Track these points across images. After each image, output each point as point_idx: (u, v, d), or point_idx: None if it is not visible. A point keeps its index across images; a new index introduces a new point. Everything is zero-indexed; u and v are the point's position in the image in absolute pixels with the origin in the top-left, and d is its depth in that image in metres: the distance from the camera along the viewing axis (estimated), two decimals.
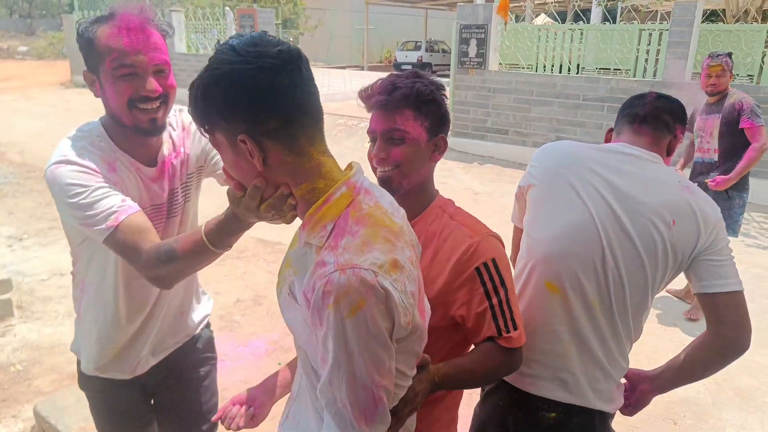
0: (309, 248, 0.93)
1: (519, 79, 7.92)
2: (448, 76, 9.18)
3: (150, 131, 1.30)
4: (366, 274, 0.82)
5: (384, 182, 1.21)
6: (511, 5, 11.20)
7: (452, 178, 7.46)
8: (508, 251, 1.33)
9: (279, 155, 0.88)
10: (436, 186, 1.32)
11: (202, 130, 0.91)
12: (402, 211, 1.00)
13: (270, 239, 5.00)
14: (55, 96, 14.57)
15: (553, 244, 1.35)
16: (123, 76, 1.23)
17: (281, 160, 0.88)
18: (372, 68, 22.68)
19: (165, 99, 1.29)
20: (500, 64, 8.28)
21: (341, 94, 13.04)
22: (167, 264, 1.18)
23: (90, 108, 12.69)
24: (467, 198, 6.57)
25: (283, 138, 0.87)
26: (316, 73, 0.98)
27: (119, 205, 1.22)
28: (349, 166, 0.98)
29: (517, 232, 1.57)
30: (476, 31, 8.06)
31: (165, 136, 1.40)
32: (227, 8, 13.26)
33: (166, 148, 1.41)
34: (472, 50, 8.16)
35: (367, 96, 1.23)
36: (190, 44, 14.46)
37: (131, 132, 1.30)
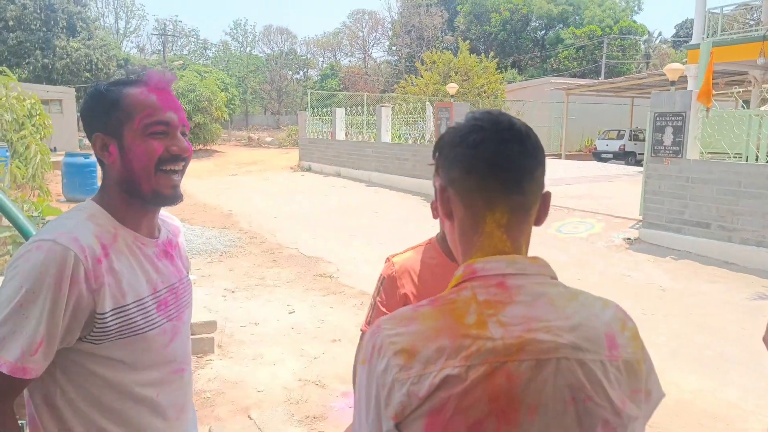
0: None
1: (723, 168, 7.20)
2: None
3: (171, 198, 1.20)
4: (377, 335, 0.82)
5: None
6: (738, 90, 10.33)
7: (638, 271, 6.93)
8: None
9: (459, 210, 0.88)
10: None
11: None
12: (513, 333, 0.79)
13: None
14: (284, 177, 17.38)
15: None
16: (154, 134, 1.16)
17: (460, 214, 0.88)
18: (569, 156, 22.32)
19: (187, 162, 1.23)
20: (701, 152, 7.65)
21: None
22: None
23: (308, 187, 14.81)
24: (652, 294, 6.04)
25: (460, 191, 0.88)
26: None
27: (18, 358, 1.03)
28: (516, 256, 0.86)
29: None
30: (672, 118, 7.65)
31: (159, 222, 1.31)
32: (428, 103, 14.61)
33: (163, 232, 1.31)
34: (668, 138, 7.72)
35: None
36: (394, 135, 16.12)
37: (139, 203, 1.20)
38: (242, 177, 18.03)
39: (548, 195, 0.90)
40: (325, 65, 54.73)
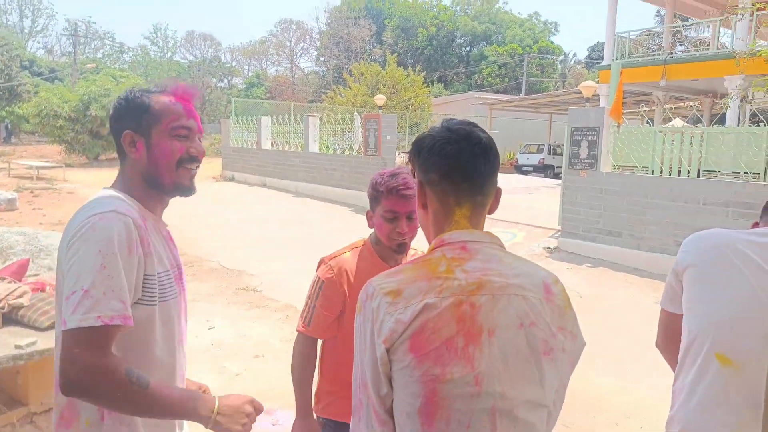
0: None
1: (633, 181, 7.65)
2: None
3: (189, 189, 1.42)
4: (366, 287, 1.09)
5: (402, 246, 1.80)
6: (644, 109, 11.06)
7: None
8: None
9: (434, 204, 1.15)
10: None
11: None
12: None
13: None
14: (206, 187, 16.72)
15: (722, 317, 1.39)
16: (178, 137, 1.36)
17: (434, 209, 1.16)
18: None
19: (200, 161, 1.44)
20: (613, 166, 8.10)
21: None
22: (129, 387, 1.14)
23: (231, 197, 14.33)
24: (571, 300, 6.27)
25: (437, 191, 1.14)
26: None
27: (122, 309, 1.18)
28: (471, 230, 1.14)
29: (666, 316, 1.60)
30: (587, 133, 8.05)
31: None
32: (356, 114, 14.63)
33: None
34: (584, 152, 8.12)
35: (391, 188, 1.73)
36: (322, 145, 15.96)
37: (157, 193, 1.39)
38: None
39: (499, 191, 1.17)
40: (250, 74, 53.71)
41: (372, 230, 1.88)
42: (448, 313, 1.02)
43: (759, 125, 6.85)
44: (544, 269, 1.17)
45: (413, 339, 1.01)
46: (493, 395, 1.02)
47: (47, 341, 2.68)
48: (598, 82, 14.58)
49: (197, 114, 1.43)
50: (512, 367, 1.04)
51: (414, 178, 1.20)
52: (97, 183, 16.77)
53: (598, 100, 15.65)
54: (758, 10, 7.57)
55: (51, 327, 2.81)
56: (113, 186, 1.38)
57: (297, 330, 1.91)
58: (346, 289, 1.81)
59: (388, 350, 1.01)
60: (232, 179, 18.58)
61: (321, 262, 1.90)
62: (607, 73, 15.14)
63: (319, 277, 1.85)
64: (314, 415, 1.96)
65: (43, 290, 3.07)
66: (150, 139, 1.35)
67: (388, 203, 1.73)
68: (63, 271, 1.21)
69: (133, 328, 1.22)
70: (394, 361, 1.02)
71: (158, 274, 1.30)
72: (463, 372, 1.01)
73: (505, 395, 1.03)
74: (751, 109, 8.47)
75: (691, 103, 16.62)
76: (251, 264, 7.58)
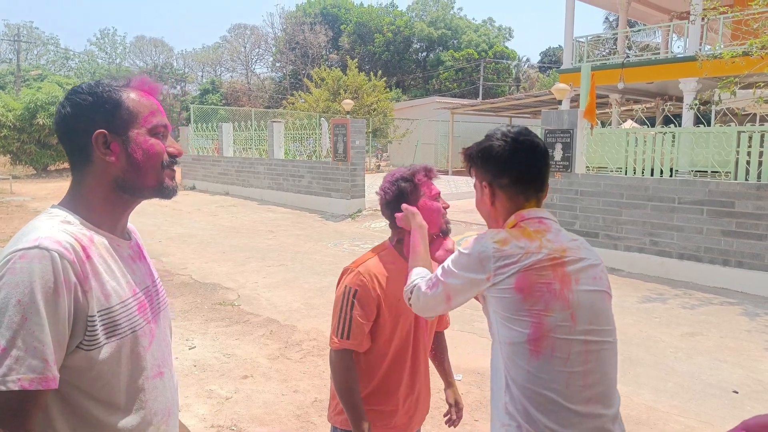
0: None
1: (608, 182, 7.74)
2: None
3: (173, 189, 1.25)
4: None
5: None
6: (597, 112, 11.27)
7: None
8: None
9: (504, 202, 1.44)
10: None
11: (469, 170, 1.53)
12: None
13: None
14: None
15: None
16: (158, 135, 1.21)
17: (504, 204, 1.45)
18: (456, 173, 23.19)
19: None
20: (587, 167, 8.16)
21: None
22: None
23: (194, 207, 13.82)
24: None
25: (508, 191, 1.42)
26: None
27: (44, 370, 0.99)
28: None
29: None
30: (561, 135, 8.10)
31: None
32: (323, 119, 14.37)
33: (131, 234, 1.31)
34: (558, 154, 8.16)
35: (429, 171, 1.94)
36: (287, 151, 15.62)
37: (131, 198, 1.22)
38: None
39: (548, 185, 1.49)
40: (204, 80, 52.51)
41: (390, 235, 1.92)
42: (547, 263, 1.30)
43: (729, 125, 7.02)
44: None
45: (519, 279, 1.29)
46: (584, 331, 1.31)
47: None
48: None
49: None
50: (595, 307, 1.34)
51: (473, 178, 1.50)
52: (47, 195, 15.89)
53: (558, 104, 15.94)
54: (712, 9, 7.77)
55: None
56: (62, 202, 1.19)
57: (333, 347, 1.79)
58: (379, 293, 1.77)
59: (489, 283, 1.32)
60: (193, 188, 17.97)
61: (346, 271, 1.85)
62: (567, 77, 15.44)
63: (349, 287, 1.78)
64: (334, 428, 1.89)
65: None
66: (127, 139, 1.17)
67: (430, 187, 1.88)
68: None
69: (73, 381, 1.06)
70: (497, 297, 1.32)
71: (105, 310, 1.09)
72: (561, 309, 1.29)
73: (592, 331, 1.32)
74: (717, 110, 8.72)
75: (636, 106, 17.13)
76: (224, 277, 7.24)
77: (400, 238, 1.86)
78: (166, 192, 1.24)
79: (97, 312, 1.08)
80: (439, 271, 1.42)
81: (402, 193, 1.84)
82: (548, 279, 1.29)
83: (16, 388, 0.97)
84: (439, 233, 1.86)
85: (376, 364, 1.82)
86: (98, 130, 1.15)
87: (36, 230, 1.06)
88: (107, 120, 1.16)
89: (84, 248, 1.09)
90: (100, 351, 1.08)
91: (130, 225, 1.33)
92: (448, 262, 1.40)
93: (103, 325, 1.09)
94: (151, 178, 1.20)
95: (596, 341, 1.31)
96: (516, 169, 1.38)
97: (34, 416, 1.00)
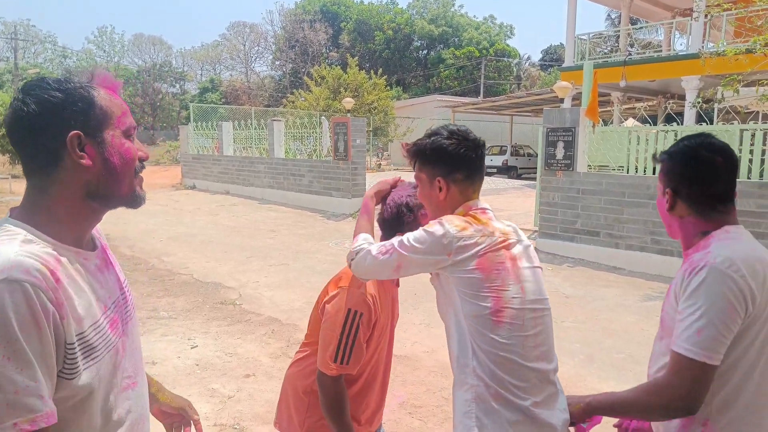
0: None
1: (610, 180, 7.72)
2: (532, 178, 9.13)
3: (143, 197, 1.18)
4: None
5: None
6: (599, 110, 11.26)
7: None
8: None
9: (455, 194, 1.60)
10: None
11: (415, 168, 1.65)
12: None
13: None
14: (167, 196, 16.08)
15: None
16: (131, 137, 1.13)
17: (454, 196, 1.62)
18: None
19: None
20: (589, 166, 8.15)
21: None
22: None
23: (194, 206, 13.82)
24: (558, 301, 6.23)
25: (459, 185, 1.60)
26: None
27: (42, 406, 0.94)
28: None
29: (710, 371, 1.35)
30: (563, 134, 8.08)
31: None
32: (323, 118, 14.36)
33: (96, 240, 1.22)
34: (560, 152, 8.14)
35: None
36: (288, 150, 15.61)
37: (99, 208, 1.13)
38: None
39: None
40: (204, 78, 52.46)
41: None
42: (500, 245, 1.50)
43: (732, 123, 7.00)
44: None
45: (480, 261, 1.46)
46: (532, 300, 1.51)
47: None
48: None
49: None
50: (536, 281, 1.55)
51: (420, 173, 1.63)
52: None
53: (561, 102, 15.90)
54: (716, 6, 7.74)
55: None
56: (18, 215, 1.06)
57: (329, 374, 1.70)
58: (379, 315, 1.75)
59: (450, 261, 1.46)
60: (194, 187, 17.96)
61: (338, 286, 1.75)
62: (569, 75, 15.41)
63: (353, 310, 1.68)
64: None
65: None
66: (102, 141, 1.07)
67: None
68: None
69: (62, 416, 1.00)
70: (461, 278, 1.47)
71: (80, 335, 1.02)
72: (514, 284, 1.49)
73: (537, 300, 1.52)
74: (720, 108, 8.70)
75: (638, 104, 17.12)
76: (226, 276, 7.23)
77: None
78: (136, 201, 1.16)
79: (76, 337, 1.01)
80: (395, 240, 1.53)
81: (399, 220, 1.78)
82: (502, 259, 1.49)
83: None
84: None
85: (353, 380, 1.81)
86: (73, 132, 1.04)
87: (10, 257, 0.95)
88: (82, 120, 1.05)
89: (52, 272, 0.99)
90: (80, 377, 1.02)
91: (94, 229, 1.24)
92: (408, 236, 1.51)
93: (81, 350, 1.02)
94: (126, 185, 1.12)
95: (540, 308, 1.53)
96: (469, 165, 1.57)
97: None
